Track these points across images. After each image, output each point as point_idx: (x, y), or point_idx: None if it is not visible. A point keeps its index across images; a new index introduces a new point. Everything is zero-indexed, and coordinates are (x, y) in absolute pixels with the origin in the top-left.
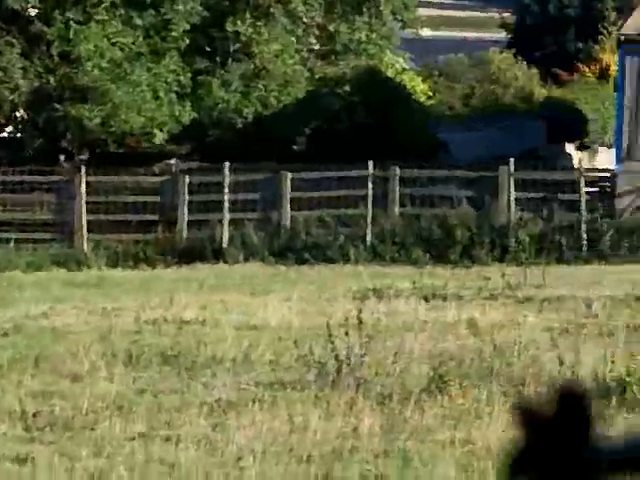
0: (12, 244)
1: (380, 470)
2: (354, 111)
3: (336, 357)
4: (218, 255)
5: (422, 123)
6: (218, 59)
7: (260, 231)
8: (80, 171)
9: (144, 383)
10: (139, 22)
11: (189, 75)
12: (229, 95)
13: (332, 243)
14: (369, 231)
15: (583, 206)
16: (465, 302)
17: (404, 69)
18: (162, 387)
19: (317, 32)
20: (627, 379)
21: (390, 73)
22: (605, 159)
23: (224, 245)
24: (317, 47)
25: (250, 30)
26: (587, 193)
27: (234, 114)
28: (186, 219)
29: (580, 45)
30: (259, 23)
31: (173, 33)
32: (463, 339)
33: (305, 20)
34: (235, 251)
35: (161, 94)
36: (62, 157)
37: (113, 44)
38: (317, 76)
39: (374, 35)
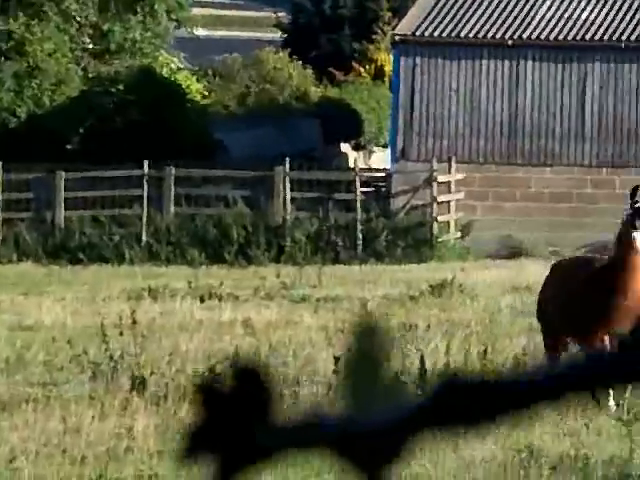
0: None
1: (155, 470)
2: (128, 110)
3: (111, 357)
4: None
5: (198, 122)
6: None
7: (34, 231)
8: None
9: None
10: None
11: None
12: (2, 94)
13: (107, 243)
14: (144, 231)
15: (358, 206)
16: (241, 302)
17: (179, 68)
18: None
19: (91, 31)
20: (401, 377)
21: (165, 72)
22: (380, 159)
23: None
24: (91, 46)
25: (23, 29)
26: (363, 193)
27: (7, 113)
28: None
29: (355, 45)
30: (32, 22)
31: None
32: (239, 339)
33: (78, 19)
34: (8, 251)
35: None
36: None
37: None
38: (91, 75)
39: (148, 34)
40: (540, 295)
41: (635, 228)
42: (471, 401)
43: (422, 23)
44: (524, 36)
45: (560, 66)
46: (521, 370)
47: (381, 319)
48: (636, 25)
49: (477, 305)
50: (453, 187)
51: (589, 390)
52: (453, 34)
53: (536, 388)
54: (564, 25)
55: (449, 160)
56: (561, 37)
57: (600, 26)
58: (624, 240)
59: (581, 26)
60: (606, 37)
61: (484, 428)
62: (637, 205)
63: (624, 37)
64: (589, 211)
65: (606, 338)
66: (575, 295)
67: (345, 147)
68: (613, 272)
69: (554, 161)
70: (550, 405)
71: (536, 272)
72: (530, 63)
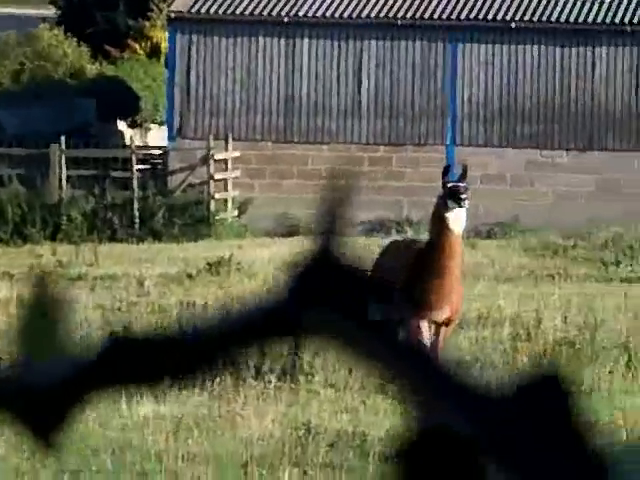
0: None
1: None
2: None
3: None
4: None
5: None
6: None
7: None
8: None
9: None
10: None
11: None
12: None
13: None
14: None
15: (135, 184)
16: (16, 281)
17: None
18: None
19: None
20: None
21: None
22: (157, 137)
23: None
24: None
25: None
26: (139, 171)
27: None
28: None
29: (131, 22)
30: None
31: None
32: (14, 317)
33: None
34: None
35: None
36: None
37: None
38: None
39: None
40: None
41: (448, 209)
42: (137, 357)
43: (198, 0)
44: (300, 13)
45: (336, 44)
46: (194, 325)
47: (54, 284)
48: (411, 3)
49: (255, 283)
50: (230, 165)
51: (257, 345)
52: (229, 11)
53: (206, 344)
54: (340, 2)
55: (226, 138)
56: (337, 15)
57: (376, 4)
58: (438, 221)
59: (357, 4)
60: (382, 15)
61: (154, 385)
62: (449, 185)
63: (399, 15)
64: (365, 189)
65: (425, 325)
66: (397, 278)
67: (121, 125)
68: (429, 254)
69: (331, 139)
70: (223, 360)
71: None
72: (306, 41)
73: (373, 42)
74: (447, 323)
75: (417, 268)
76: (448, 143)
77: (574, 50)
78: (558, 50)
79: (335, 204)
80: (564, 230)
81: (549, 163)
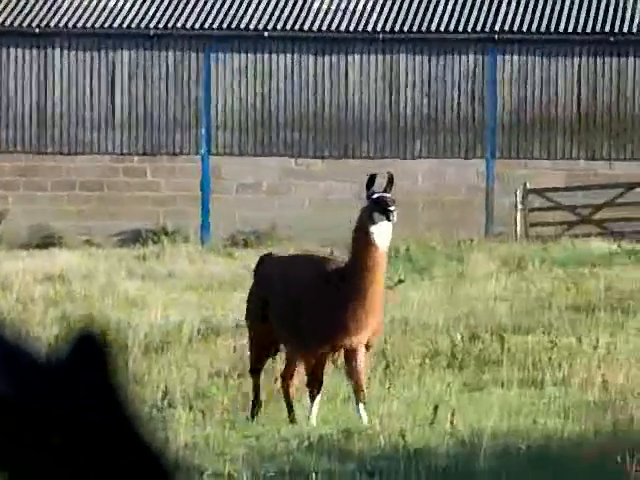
0: None
1: None
2: None
3: None
4: None
5: None
6: None
7: None
8: None
9: None
10: None
11: None
12: None
13: None
14: None
15: None
16: None
17: None
18: None
19: None
20: None
21: None
22: None
23: None
24: None
25: None
26: None
27: None
28: None
29: None
30: None
31: None
32: None
33: None
34: None
35: None
36: None
37: None
38: None
39: None
40: (254, 294)
41: (374, 222)
42: None
43: None
44: (52, 24)
45: (89, 54)
46: None
47: None
48: (163, 13)
49: (10, 295)
50: None
51: None
52: None
53: None
54: (91, 13)
55: None
56: (89, 25)
57: (128, 14)
58: (361, 236)
59: (109, 14)
60: (134, 25)
61: None
62: (375, 197)
63: (152, 25)
64: (120, 199)
65: (324, 354)
66: (303, 300)
67: None
68: (353, 272)
69: (84, 149)
70: None
71: (68, 261)
72: (58, 51)
73: (126, 52)
74: (367, 345)
75: (333, 287)
76: (203, 152)
77: (327, 58)
78: (311, 58)
79: None
80: (322, 238)
81: (304, 171)
